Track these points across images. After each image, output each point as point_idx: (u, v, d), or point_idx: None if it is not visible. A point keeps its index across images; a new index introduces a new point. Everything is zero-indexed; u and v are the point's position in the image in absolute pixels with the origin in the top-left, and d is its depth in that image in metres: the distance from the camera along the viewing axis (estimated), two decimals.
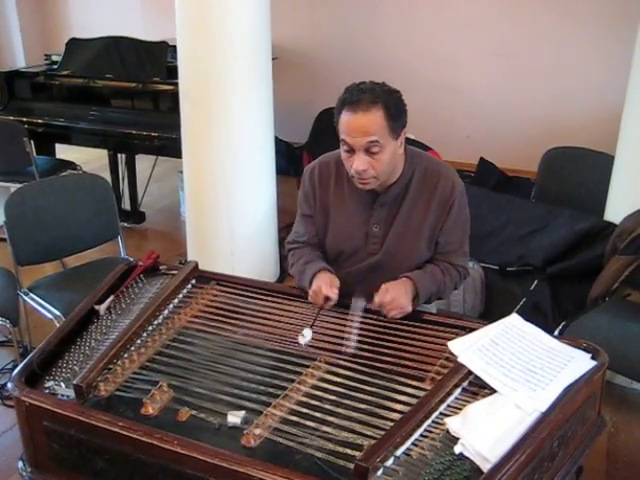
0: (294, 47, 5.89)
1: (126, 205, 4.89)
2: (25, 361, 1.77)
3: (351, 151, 1.90)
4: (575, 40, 5.04)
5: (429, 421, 1.48)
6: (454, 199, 2.02)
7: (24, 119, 4.79)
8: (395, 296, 1.89)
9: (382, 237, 2.05)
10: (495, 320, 1.81)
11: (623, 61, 3.65)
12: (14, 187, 3.82)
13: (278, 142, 4.11)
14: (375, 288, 1.94)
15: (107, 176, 4.19)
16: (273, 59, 3.42)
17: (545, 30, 5.11)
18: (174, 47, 3.64)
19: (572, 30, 5.03)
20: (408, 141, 2.12)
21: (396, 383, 1.62)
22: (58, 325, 2.35)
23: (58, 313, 2.73)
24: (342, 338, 1.81)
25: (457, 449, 1.40)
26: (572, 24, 5.02)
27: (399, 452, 1.39)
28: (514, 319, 1.80)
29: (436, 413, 1.51)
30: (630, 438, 2.74)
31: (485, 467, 1.36)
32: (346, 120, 1.88)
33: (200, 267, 2.17)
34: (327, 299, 1.92)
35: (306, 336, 1.81)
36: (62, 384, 1.70)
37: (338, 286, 1.95)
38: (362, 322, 1.86)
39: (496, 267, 3.42)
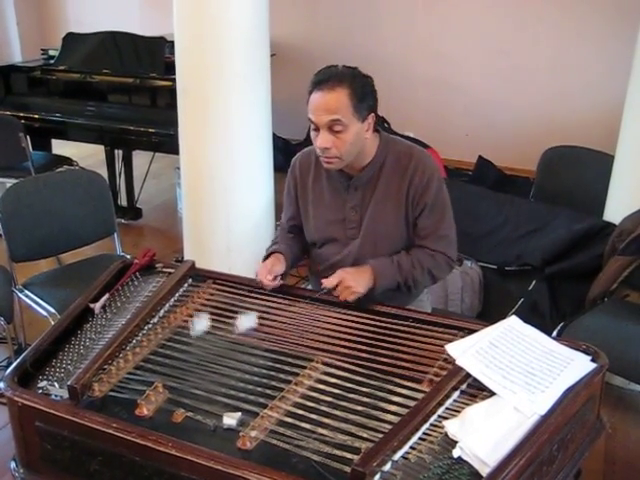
0: (292, 44, 5.87)
1: (123, 201, 4.87)
2: (18, 360, 1.75)
3: (317, 129, 1.94)
4: (575, 38, 5.02)
5: (427, 424, 1.46)
6: (427, 180, 2.01)
7: (20, 114, 4.74)
8: (343, 278, 1.93)
9: (359, 221, 2.07)
10: (493, 320, 1.79)
11: (623, 60, 3.62)
12: (10, 183, 3.78)
13: (276, 139, 4.09)
14: None
15: (104, 172, 4.18)
16: (271, 56, 3.40)
17: (545, 28, 5.09)
18: (172, 43, 3.61)
19: (572, 28, 5.01)
20: (406, 139, 2.12)
21: (393, 385, 1.60)
22: (53, 322, 2.33)
23: (53, 310, 2.72)
24: (338, 338, 1.80)
25: (455, 453, 1.39)
26: (572, 22, 5.00)
27: (397, 456, 1.38)
28: (513, 321, 1.78)
29: (434, 416, 1.49)
30: (627, 439, 2.73)
31: (484, 471, 1.34)
32: (313, 99, 1.93)
33: (196, 264, 2.15)
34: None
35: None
36: (56, 384, 1.68)
37: (280, 272, 2.04)
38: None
39: (494, 267, 3.41)
